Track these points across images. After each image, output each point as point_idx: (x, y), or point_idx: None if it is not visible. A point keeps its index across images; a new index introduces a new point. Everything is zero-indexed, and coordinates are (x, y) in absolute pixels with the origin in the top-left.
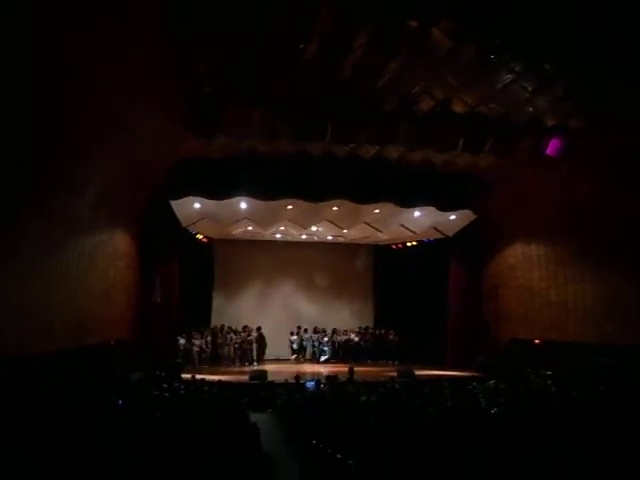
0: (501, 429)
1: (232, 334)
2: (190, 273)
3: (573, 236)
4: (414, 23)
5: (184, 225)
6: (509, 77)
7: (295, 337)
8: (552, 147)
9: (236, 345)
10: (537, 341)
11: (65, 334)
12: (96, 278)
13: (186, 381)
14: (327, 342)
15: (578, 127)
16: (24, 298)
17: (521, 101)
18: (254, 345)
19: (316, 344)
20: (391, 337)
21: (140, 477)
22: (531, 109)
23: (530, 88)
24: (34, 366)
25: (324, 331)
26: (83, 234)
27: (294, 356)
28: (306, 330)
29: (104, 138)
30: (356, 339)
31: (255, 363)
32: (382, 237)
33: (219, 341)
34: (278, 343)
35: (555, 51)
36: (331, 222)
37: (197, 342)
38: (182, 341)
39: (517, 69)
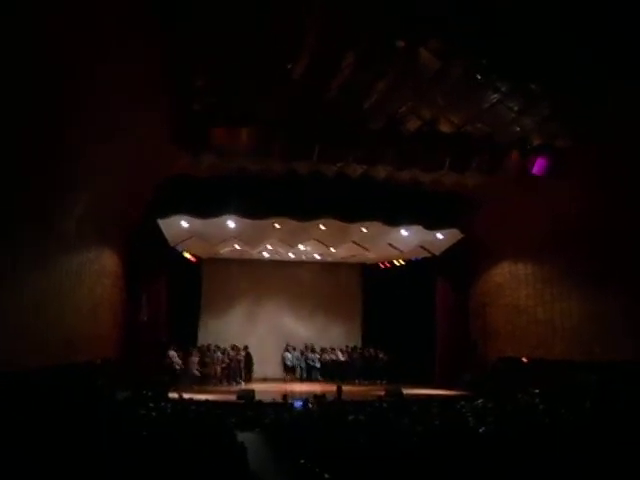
0: (489, 448)
1: (219, 353)
2: (177, 292)
3: (560, 255)
4: (401, 43)
5: (172, 244)
6: (495, 97)
7: (289, 354)
8: (538, 166)
9: (224, 365)
10: (524, 359)
11: (52, 351)
12: (83, 296)
13: (173, 400)
14: (318, 360)
15: (564, 146)
16: (13, 313)
17: (507, 121)
18: (241, 364)
19: (310, 361)
20: (379, 356)
21: None
22: (517, 129)
23: (516, 108)
24: (19, 382)
25: (313, 350)
26: (70, 251)
27: (287, 375)
28: (294, 348)
29: (93, 154)
30: (343, 358)
31: (242, 382)
32: (370, 256)
33: (206, 360)
34: (266, 362)
35: (541, 71)
36: (319, 241)
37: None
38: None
39: (503, 89)
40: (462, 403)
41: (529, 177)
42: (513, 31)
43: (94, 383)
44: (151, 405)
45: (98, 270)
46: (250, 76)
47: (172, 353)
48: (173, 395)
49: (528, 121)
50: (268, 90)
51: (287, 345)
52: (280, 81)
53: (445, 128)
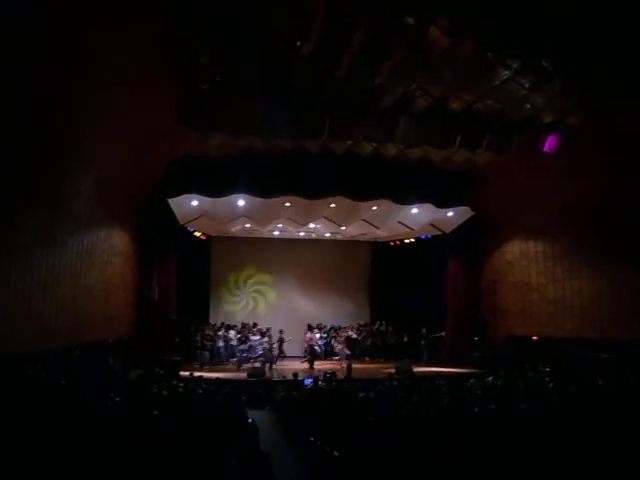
0: (498, 425)
1: (222, 332)
2: (188, 270)
3: (571, 232)
4: (411, 20)
5: (182, 222)
6: (506, 74)
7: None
8: (549, 144)
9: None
10: (535, 337)
11: (64, 332)
12: (94, 276)
13: (184, 378)
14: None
15: (575, 123)
16: (23, 295)
17: (518, 98)
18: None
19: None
20: (389, 331)
21: (138, 475)
22: (528, 106)
23: (527, 85)
24: (33, 364)
25: (331, 328)
26: (81, 231)
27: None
28: (320, 329)
29: (102, 135)
30: (356, 336)
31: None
32: (380, 234)
33: (216, 338)
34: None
35: (552, 47)
36: (329, 219)
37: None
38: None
39: (514, 66)
40: (472, 381)
41: (540, 154)
42: (523, 7)
43: (106, 362)
44: (163, 383)
45: (108, 250)
46: (260, 53)
47: (233, 333)
48: (184, 373)
49: (539, 98)
50: (277, 67)
51: (311, 325)
52: (290, 58)
53: (456, 105)
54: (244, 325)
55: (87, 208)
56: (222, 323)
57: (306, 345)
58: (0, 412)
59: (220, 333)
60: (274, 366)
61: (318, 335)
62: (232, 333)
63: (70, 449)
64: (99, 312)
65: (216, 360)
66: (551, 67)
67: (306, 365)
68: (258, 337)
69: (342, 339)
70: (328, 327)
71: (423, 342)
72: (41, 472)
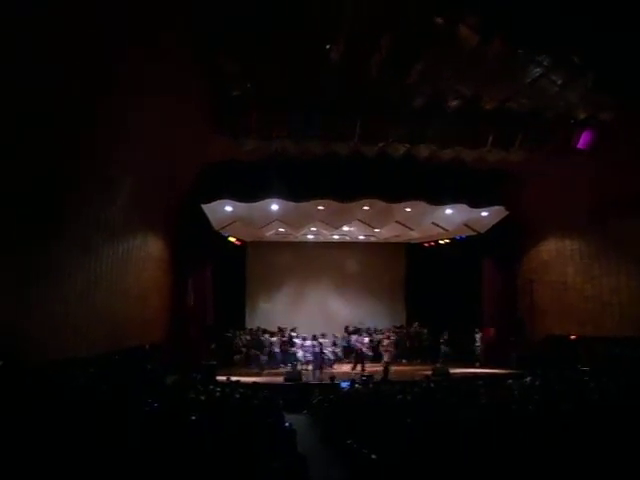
0: (538, 426)
1: (267, 335)
2: (223, 275)
3: (607, 229)
4: (440, 20)
5: (216, 228)
6: (538, 71)
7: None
8: (583, 140)
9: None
10: (573, 336)
11: (101, 339)
12: (130, 282)
13: (221, 383)
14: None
15: (609, 119)
16: (61, 303)
17: (551, 95)
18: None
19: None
20: (426, 335)
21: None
22: (561, 102)
23: (559, 81)
24: (71, 371)
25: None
26: (116, 239)
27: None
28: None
29: (136, 143)
30: (393, 339)
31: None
32: (414, 235)
33: (252, 343)
34: None
35: (583, 43)
36: (362, 222)
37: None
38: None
39: (545, 63)
40: (510, 382)
41: (574, 151)
42: (553, 3)
43: (144, 368)
44: (200, 388)
45: (144, 256)
46: (290, 58)
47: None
48: (221, 378)
49: (572, 95)
50: (308, 72)
51: (349, 328)
52: (320, 62)
53: (487, 105)
54: (280, 329)
55: (122, 216)
56: (258, 327)
57: (358, 348)
58: (40, 420)
59: (275, 339)
60: (325, 370)
61: (367, 339)
62: (275, 339)
63: (110, 455)
64: (136, 318)
65: (273, 364)
66: (583, 63)
67: (358, 369)
68: (308, 342)
69: (390, 341)
70: (364, 329)
71: (443, 345)
72: (80, 477)
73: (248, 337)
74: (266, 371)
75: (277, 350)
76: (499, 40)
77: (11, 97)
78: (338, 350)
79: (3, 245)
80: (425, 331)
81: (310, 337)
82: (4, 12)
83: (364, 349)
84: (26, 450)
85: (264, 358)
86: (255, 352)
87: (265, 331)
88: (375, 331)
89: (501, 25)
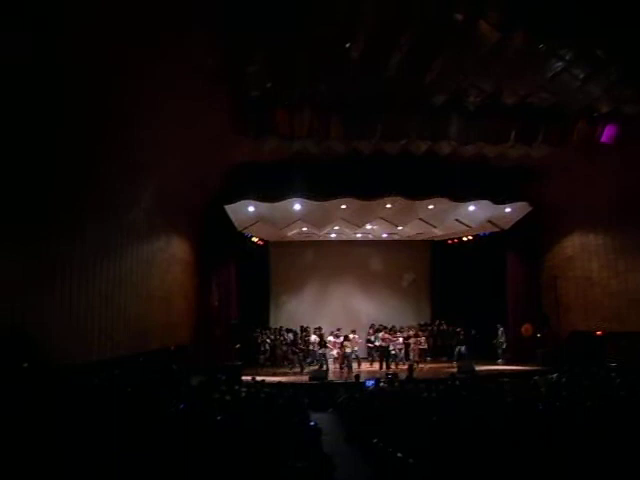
0: (565, 423)
1: (290, 335)
2: (247, 276)
3: (632, 223)
4: (460, 16)
5: (239, 229)
6: (559, 65)
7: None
8: (607, 134)
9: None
10: (598, 332)
11: (126, 340)
12: (154, 284)
13: (246, 383)
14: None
15: (633, 113)
16: (86, 306)
17: (573, 89)
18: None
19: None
20: (450, 333)
21: (203, 479)
22: (584, 96)
23: (582, 75)
24: (98, 373)
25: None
26: (141, 240)
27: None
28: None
29: (159, 146)
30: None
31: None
32: (437, 232)
33: (277, 342)
34: None
35: (606, 35)
36: (385, 220)
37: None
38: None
39: (567, 57)
40: (535, 378)
41: (598, 145)
42: None
43: (169, 369)
44: (225, 389)
45: (168, 258)
46: (310, 57)
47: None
48: (246, 378)
49: (595, 88)
50: (328, 70)
51: (375, 326)
52: (340, 61)
53: (509, 100)
54: (303, 328)
55: (146, 218)
56: (280, 327)
57: (383, 347)
58: (65, 422)
59: (312, 338)
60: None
61: (401, 339)
62: (313, 337)
63: (135, 456)
64: (161, 320)
65: (307, 362)
66: (605, 56)
67: (384, 367)
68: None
69: (415, 340)
70: (389, 327)
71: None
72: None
73: (282, 336)
74: (305, 370)
75: (314, 349)
76: (520, 34)
77: (36, 95)
78: (364, 349)
79: (27, 247)
80: (451, 329)
81: (336, 335)
82: None
83: (390, 348)
84: (50, 451)
85: (300, 356)
86: (293, 350)
87: (289, 330)
88: (400, 329)
89: (522, 19)
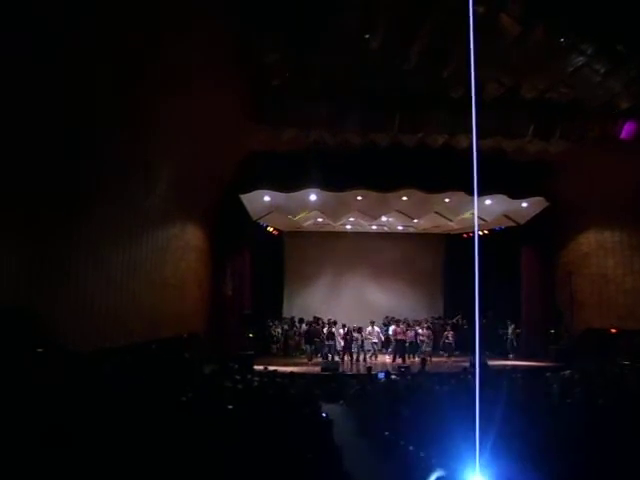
0: (577, 419)
1: (303, 325)
2: (261, 265)
3: None
4: (481, 9)
5: (254, 218)
6: (580, 60)
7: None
8: (627, 130)
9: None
10: (613, 330)
11: (139, 328)
12: (168, 272)
13: (259, 372)
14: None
15: None
16: (100, 292)
17: (593, 84)
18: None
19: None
20: (463, 327)
21: (214, 468)
22: (604, 92)
23: (602, 70)
24: (111, 360)
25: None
26: (156, 228)
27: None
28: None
29: (176, 131)
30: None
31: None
32: (453, 226)
33: (290, 333)
34: None
35: (627, 31)
36: (401, 212)
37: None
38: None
39: (588, 51)
40: (548, 374)
41: (617, 142)
42: None
43: (182, 357)
44: (237, 378)
45: (183, 246)
46: (329, 48)
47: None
48: (258, 367)
49: (615, 84)
50: (345, 62)
51: (391, 317)
52: (359, 52)
53: (528, 94)
54: (316, 319)
55: (162, 205)
56: (292, 317)
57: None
58: (80, 408)
59: (335, 329)
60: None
61: (427, 332)
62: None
63: (148, 442)
64: (174, 308)
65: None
66: (626, 51)
67: (398, 360)
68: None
69: (428, 332)
70: (402, 320)
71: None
72: (118, 464)
73: (299, 326)
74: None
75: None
76: (541, 28)
77: (54, 84)
78: (378, 341)
79: (41, 234)
80: (464, 322)
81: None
82: None
83: (403, 340)
84: (64, 436)
85: (330, 346)
86: (317, 341)
87: (301, 320)
88: (413, 322)
89: (543, 13)
